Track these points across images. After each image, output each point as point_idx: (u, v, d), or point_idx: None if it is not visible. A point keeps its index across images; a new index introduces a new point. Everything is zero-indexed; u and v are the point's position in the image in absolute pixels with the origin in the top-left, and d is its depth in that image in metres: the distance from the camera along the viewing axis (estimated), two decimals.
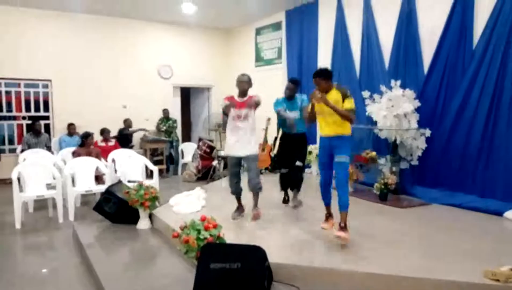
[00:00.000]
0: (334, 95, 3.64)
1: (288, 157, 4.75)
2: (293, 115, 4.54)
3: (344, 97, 3.60)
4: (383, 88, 5.67)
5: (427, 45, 5.50)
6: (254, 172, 4.25)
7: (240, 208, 4.48)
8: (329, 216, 3.97)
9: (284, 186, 4.98)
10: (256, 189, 4.31)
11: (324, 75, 3.69)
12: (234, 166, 4.31)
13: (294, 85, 4.67)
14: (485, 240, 3.81)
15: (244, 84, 4.29)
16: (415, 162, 5.56)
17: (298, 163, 4.66)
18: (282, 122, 4.74)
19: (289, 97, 4.64)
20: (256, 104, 4.20)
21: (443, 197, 5.18)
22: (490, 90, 4.79)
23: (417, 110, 5.44)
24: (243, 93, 4.30)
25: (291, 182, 4.83)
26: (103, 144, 7.53)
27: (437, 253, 3.42)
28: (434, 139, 5.40)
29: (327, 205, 3.96)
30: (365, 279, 3.03)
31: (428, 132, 5.40)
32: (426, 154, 5.47)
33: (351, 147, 3.79)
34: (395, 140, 5.49)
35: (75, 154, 6.24)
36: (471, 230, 4.14)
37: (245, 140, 4.19)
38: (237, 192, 4.43)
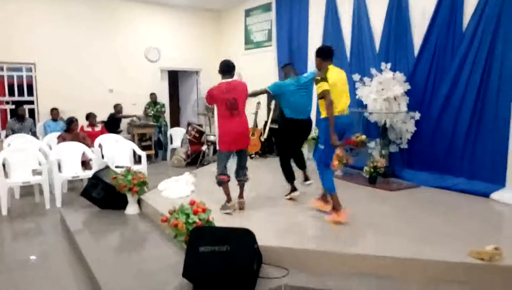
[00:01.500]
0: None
1: (295, 146, 4.60)
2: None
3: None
4: (373, 71, 5.64)
5: (418, 28, 5.46)
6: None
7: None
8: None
9: (291, 177, 4.57)
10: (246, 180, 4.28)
11: (317, 53, 3.72)
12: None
13: (291, 67, 4.61)
14: (471, 221, 3.86)
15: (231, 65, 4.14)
16: (404, 146, 5.59)
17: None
18: (291, 107, 4.39)
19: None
20: None
21: (432, 180, 5.23)
22: (479, 73, 4.80)
23: (407, 93, 5.43)
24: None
25: (301, 163, 4.72)
26: (89, 129, 7.40)
27: (425, 235, 3.45)
28: (423, 123, 5.42)
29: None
30: (355, 261, 3.05)
31: (417, 115, 5.41)
32: (415, 137, 5.50)
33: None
34: (385, 124, 5.50)
35: (60, 138, 6.13)
36: (458, 211, 4.19)
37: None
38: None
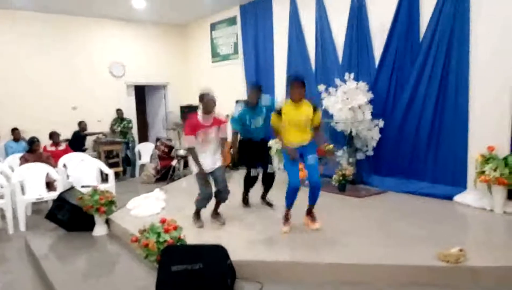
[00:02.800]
0: (305, 107, 3.75)
1: (254, 159, 4.66)
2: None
3: (315, 109, 3.79)
4: (337, 81, 5.79)
5: (378, 38, 5.67)
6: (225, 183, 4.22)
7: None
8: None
9: (248, 187, 4.83)
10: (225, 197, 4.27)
11: (304, 82, 3.75)
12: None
13: (258, 90, 4.58)
14: (437, 224, 4.00)
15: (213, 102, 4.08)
16: (370, 153, 5.74)
17: (270, 170, 4.65)
18: (245, 130, 4.58)
19: (253, 104, 4.51)
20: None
21: (398, 185, 5.39)
22: (437, 81, 5.02)
23: (371, 101, 5.60)
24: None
25: (268, 183, 4.74)
26: (52, 148, 7.14)
27: (394, 239, 3.55)
28: (387, 130, 5.59)
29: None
30: (328, 270, 3.10)
31: (381, 123, 5.59)
32: (380, 144, 5.66)
33: None
34: (351, 132, 5.64)
35: (22, 159, 5.90)
36: (424, 215, 4.33)
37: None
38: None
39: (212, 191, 4.13)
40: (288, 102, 3.80)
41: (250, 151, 4.65)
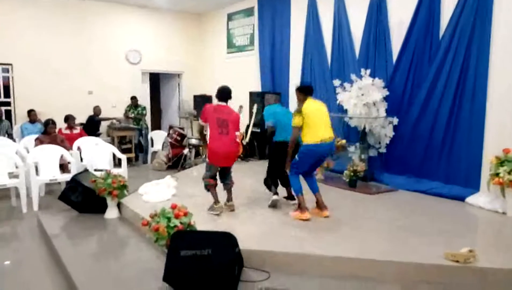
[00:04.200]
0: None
1: (282, 165, 4.42)
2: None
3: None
4: (353, 76, 5.74)
5: (396, 35, 5.60)
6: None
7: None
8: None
9: (277, 183, 4.62)
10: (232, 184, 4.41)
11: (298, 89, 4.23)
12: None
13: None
14: (447, 224, 3.97)
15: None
16: (383, 150, 5.70)
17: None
18: (281, 129, 4.43)
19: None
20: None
21: (409, 184, 5.35)
22: (455, 80, 4.94)
23: (386, 98, 5.55)
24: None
25: (286, 182, 4.57)
26: (67, 131, 7.26)
27: (402, 237, 3.53)
28: (401, 128, 5.54)
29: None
30: (333, 263, 3.10)
31: (395, 121, 5.54)
32: (394, 142, 5.62)
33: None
34: (364, 128, 5.60)
35: (37, 141, 6.00)
36: (434, 215, 4.30)
37: None
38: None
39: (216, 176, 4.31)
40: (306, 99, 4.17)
41: (281, 153, 4.35)
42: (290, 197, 4.61)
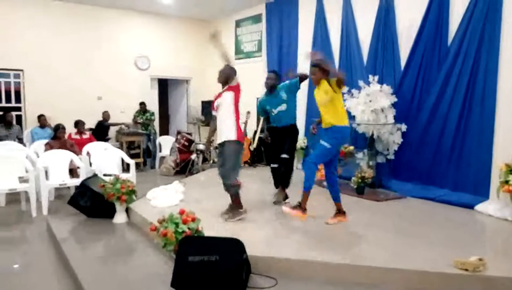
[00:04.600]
0: (323, 86, 3.89)
1: (276, 151, 4.68)
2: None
3: (329, 81, 3.87)
4: (361, 83, 5.74)
5: (404, 41, 5.60)
6: (225, 165, 4.04)
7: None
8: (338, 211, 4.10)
9: (276, 182, 4.81)
10: (226, 187, 4.12)
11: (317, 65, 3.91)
12: (218, 156, 4.32)
13: (274, 74, 4.69)
14: (456, 232, 3.93)
15: (219, 73, 4.27)
16: (391, 156, 5.68)
17: (284, 155, 4.50)
18: (268, 117, 4.81)
19: (270, 89, 4.61)
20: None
21: (417, 191, 5.32)
22: (464, 87, 4.92)
23: (394, 105, 5.54)
24: (222, 84, 4.28)
25: (278, 177, 4.67)
26: (77, 136, 7.35)
27: (410, 245, 3.50)
28: (410, 134, 5.52)
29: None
30: (341, 270, 3.09)
31: (404, 127, 5.52)
32: (402, 148, 5.60)
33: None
34: (372, 135, 5.59)
35: (47, 146, 6.07)
36: (443, 222, 4.26)
37: (220, 128, 4.14)
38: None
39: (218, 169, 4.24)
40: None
41: (273, 138, 4.75)
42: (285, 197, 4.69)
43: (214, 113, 4.23)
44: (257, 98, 4.83)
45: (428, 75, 5.36)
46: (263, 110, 4.85)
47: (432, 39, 5.27)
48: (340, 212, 4.07)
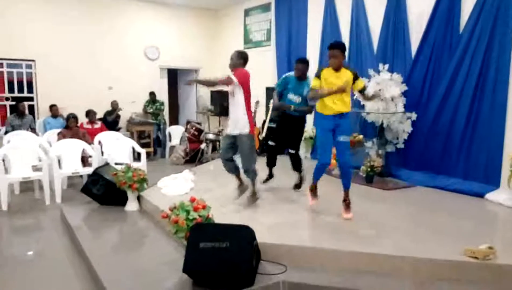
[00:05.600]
0: (344, 73, 3.77)
1: (282, 135, 4.74)
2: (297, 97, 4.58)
3: (356, 77, 3.79)
4: (371, 71, 5.70)
5: (415, 29, 5.53)
6: (245, 157, 4.14)
7: (240, 186, 4.42)
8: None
9: (269, 162, 4.97)
10: (248, 175, 4.25)
11: (342, 48, 3.76)
12: (224, 145, 4.31)
13: (304, 64, 4.57)
14: (466, 220, 3.93)
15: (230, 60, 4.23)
16: (401, 145, 5.65)
17: (291, 151, 4.73)
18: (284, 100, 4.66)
19: (299, 78, 4.55)
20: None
21: (427, 180, 5.30)
22: (476, 75, 4.86)
23: (404, 94, 5.50)
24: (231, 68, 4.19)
25: (273, 157, 4.91)
26: (89, 126, 7.43)
27: (420, 233, 3.52)
28: (420, 123, 5.48)
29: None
30: (350, 258, 3.11)
31: (414, 116, 5.48)
32: (412, 137, 5.56)
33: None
34: (382, 124, 5.56)
35: (59, 135, 6.16)
36: (453, 211, 4.26)
37: (233, 119, 4.14)
38: (230, 172, 4.38)
39: (224, 155, 4.27)
40: (330, 68, 3.81)
41: (283, 122, 4.73)
42: (298, 185, 4.79)
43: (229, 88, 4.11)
44: (285, 76, 4.71)
45: (439, 63, 5.30)
46: (283, 88, 4.66)
47: (443, 26, 5.19)
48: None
